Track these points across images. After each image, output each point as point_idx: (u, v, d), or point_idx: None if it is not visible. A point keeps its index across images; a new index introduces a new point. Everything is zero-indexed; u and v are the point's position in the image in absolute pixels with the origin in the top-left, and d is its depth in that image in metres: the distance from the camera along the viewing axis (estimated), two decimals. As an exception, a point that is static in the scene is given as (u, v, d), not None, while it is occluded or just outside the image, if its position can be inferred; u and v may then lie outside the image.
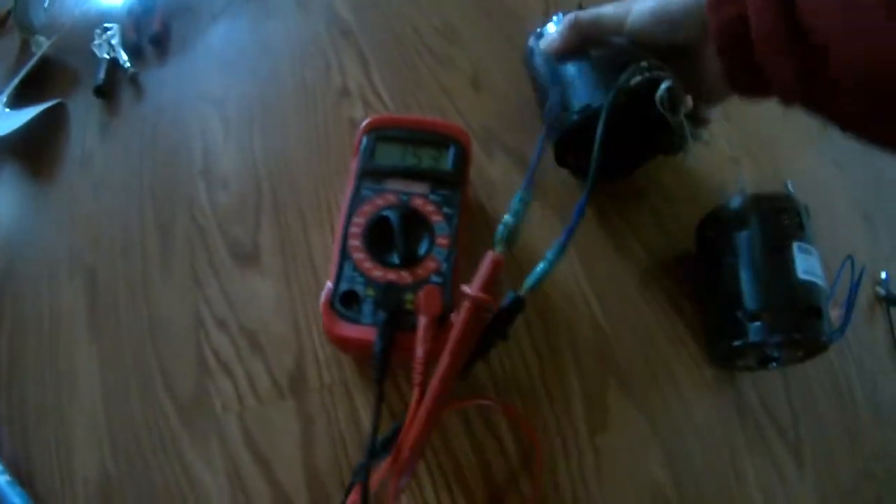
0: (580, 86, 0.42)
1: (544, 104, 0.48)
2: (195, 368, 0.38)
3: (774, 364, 0.41)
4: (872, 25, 0.27)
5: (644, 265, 0.45)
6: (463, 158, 0.40)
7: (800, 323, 0.38)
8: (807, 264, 0.40)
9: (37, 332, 0.40)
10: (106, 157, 0.47)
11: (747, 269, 0.40)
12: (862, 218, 0.51)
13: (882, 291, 0.48)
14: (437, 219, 0.37)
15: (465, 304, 0.32)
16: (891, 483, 0.41)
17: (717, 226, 0.43)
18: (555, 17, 0.46)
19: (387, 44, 0.53)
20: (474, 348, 0.33)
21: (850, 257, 0.44)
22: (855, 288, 0.43)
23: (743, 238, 0.41)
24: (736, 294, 0.40)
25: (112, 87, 0.50)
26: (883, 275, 0.48)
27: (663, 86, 0.40)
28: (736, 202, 0.42)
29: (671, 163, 0.49)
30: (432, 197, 0.38)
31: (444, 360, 0.32)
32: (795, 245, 0.40)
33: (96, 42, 0.52)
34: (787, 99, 0.34)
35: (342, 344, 0.36)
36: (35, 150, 0.47)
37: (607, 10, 0.40)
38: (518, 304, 0.33)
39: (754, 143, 0.53)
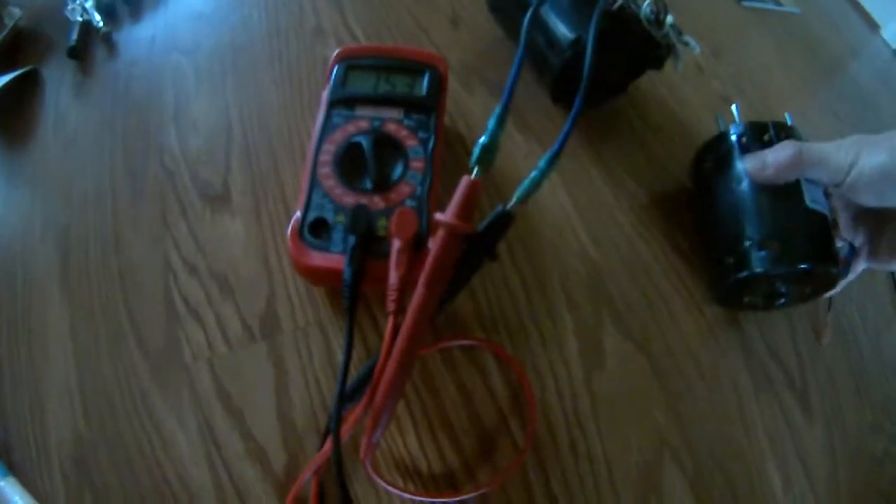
0: (563, 21, 0.41)
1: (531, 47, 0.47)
2: (165, 317, 0.36)
3: (782, 300, 0.38)
4: None
5: (636, 199, 0.43)
6: (438, 84, 0.38)
7: (809, 251, 0.36)
8: (813, 194, 0.37)
9: (10, 297, 0.38)
10: (78, 116, 0.45)
11: (753, 197, 0.38)
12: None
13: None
14: (411, 143, 0.35)
15: (440, 233, 0.29)
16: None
17: (717, 155, 0.41)
18: None
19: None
20: (460, 271, 0.31)
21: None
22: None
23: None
24: (740, 223, 0.38)
25: (85, 48, 0.48)
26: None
27: (646, 3, 0.39)
28: (736, 129, 0.40)
29: (659, 99, 0.48)
30: (406, 122, 0.36)
31: (419, 293, 0.29)
32: (801, 172, 0.38)
33: (69, 7, 0.51)
34: None
35: (311, 275, 0.33)
36: (8, 117, 0.45)
37: (833, 152, 0.35)
38: (506, 218, 0.31)
39: (746, 84, 0.51)
